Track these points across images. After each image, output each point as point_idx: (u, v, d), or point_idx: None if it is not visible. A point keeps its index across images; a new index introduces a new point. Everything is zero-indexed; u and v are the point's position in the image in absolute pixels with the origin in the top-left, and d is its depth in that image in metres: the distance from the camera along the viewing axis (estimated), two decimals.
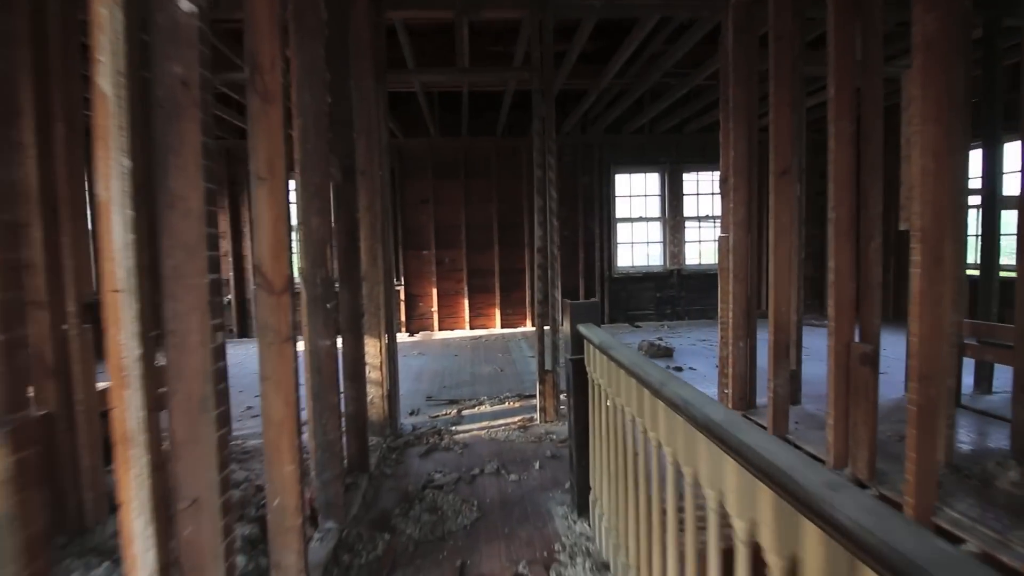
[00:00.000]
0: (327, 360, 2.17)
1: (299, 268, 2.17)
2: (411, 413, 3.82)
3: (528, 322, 7.63)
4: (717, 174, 8.03)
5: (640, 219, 7.81)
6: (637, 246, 7.86)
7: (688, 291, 7.88)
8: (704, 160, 7.80)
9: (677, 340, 6.24)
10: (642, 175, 7.80)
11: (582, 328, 2.17)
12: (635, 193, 7.81)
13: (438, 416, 3.73)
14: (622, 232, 7.77)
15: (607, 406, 1.90)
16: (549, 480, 2.63)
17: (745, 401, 3.57)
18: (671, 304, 7.86)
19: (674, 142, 7.72)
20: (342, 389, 2.72)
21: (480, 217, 7.54)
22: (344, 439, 2.75)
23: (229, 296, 7.28)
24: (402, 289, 7.47)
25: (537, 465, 2.80)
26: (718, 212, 7.94)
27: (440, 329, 7.55)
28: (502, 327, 7.60)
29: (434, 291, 7.51)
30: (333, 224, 2.65)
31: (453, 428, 3.45)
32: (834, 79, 2.55)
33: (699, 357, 5.35)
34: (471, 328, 7.58)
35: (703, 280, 7.89)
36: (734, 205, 3.53)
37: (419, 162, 7.45)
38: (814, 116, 6.52)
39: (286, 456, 1.67)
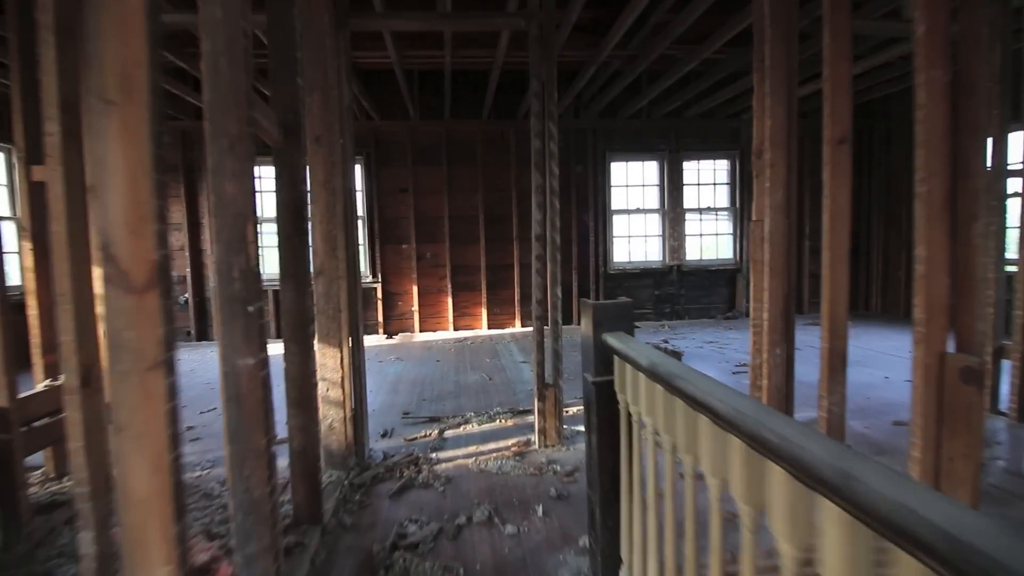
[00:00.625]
0: (250, 385, 1.53)
1: (215, 256, 1.53)
2: (383, 435, 3.18)
3: (517, 322, 7.02)
4: (719, 162, 7.54)
5: (637, 211, 7.25)
6: (634, 240, 7.30)
7: (688, 288, 7.36)
8: (705, 146, 7.27)
9: (682, 342, 5.70)
10: (639, 163, 7.25)
11: (611, 339, 1.57)
12: (632, 183, 7.25)
13: (416, 439, 3.10)
14: (618, 225, 7.21)
15: (648, 444, 1.31)
16: (557, 533, 2.03)
17: None
18: (670, 302, 7.33)
19: (673, 127, 7.18)
20: (287, 418, 2.09)
21: (464, 208, 6.90)
22: (288, 485, 2.12)
23: (186, 295, 6.52)
24: (379, 287, 6.80)
25: (540, 510, 2.19)
26: (720, 203, 7.44)
27: (421, 330, 6.91)
28: (489, 328, 6.99)
29: (414, 289, 6.86)
30: (277, 199, 2.02)
31: (433, 455, 2.83)
32: (924, 15, 1.99)
33: (711, 362, 4.80)
34: (455, 329, 6.95)
35: (704, 277, 7.38)
36: (771, 185, 2.96)
37: (397, 147, 6.78)
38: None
39: (156, 554, 1.04)
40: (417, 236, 6.83)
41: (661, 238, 7.28)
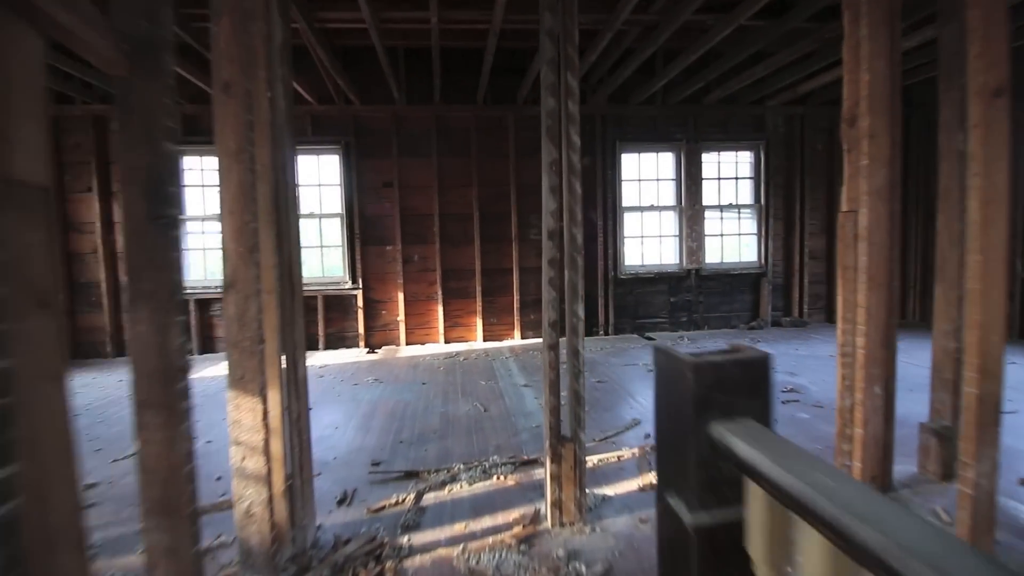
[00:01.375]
0: None
1: None
2: (341, 501, 2.37)
3: (516, 334, 6.22)
4: (741, 154, 6.77)
5: (651, 208, 6.47)
6: (647, 241, 6.52)
7: (707, 295, 6.58)
8: (727, 135, 6.50)
9: None
10: (653, 154, 6.47)
11: (736, 439, 0.76)
12: (645, 176, 6.47)
13: (383, 508, 2.29)
14: (630, 224, 6.43)
15: None
16: None
17: (880, 479, 2.23)
18: (687, 310, 6.55)
19: (692, 114, 6.40)
20: (141, 533, 1.27)
21: (457, 205, 6.10)
22: None
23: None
24: (360, 294, 5.98)
25: None
26: (743, 199, 6.66)
27: (408, 343, 6.09)
28: (485, 340, 6.18)
29: (400, 296, 6.05)
30: (121, 164, 1.21)
31: (405, 540, 2.02)
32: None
33: None
34: (446, 342, 6.14)
35: (725, 282, 6.60)
36: (869, 163, 2.17)
37: (380, 136, 5.97)
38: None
39: None
40: (403, 236, 6.02)
41: (678, 239, 6.49)
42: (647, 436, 3.04)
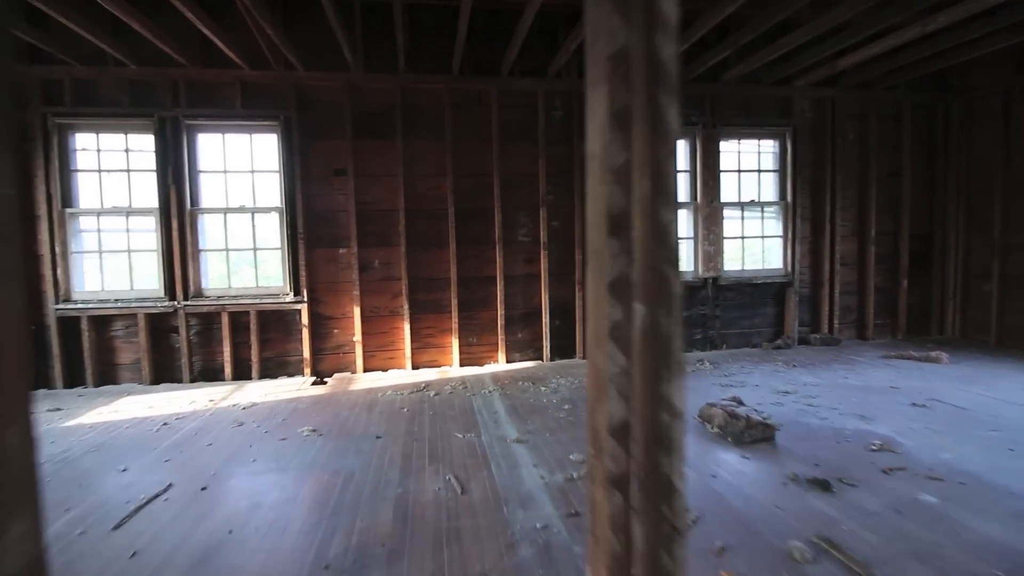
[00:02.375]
0: None
1: None
2: None
3: (500, 356, 5.09)
4: (765, 142, 5.81)
5: None
6: None
7: (725, 308, 5.58)
8: (748, 120, 5.52)
9: (744, 392, 3.87)
10: None
11: None
12: None
13: None
14: None
15: None
16: None
17: None
18: (702, 326, 5.53)
19: (708, 93, 5.40)
20: None
21: (428, 199, 4.95)
22: None
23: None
24: (304, 308, 4.77)
25: None
26: (768, 196, 5.69)
27: (366, 369, 4.90)
28: (462, 364, 5.03)
29: (356, 311, 4.86)
30: None
31: None
32: None
33: (825, 439, 2.97)
34: (414, 367, 4.97)
35: (745, 293, 5.61)
36: None
37: (331, 111, 4.78)
38: None
39: None
40: (360, 237, 4.84)
41: (692, 241, 5.47)
42: None
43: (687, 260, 5.52)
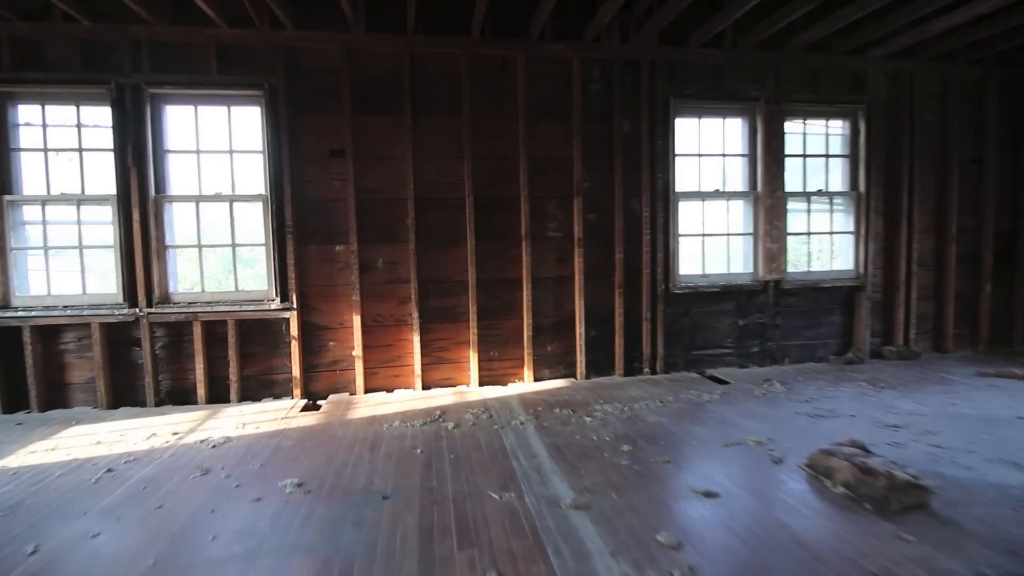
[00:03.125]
0: None
1: None
2: None
3: (527, 373, 4.29)
4: (835, 123, 4.97)
5: (716, 194, 4.63)
6: (710, 241, 4.68)
7: (786, 316, 4.78)
8: (816, 96, 4.71)
9: (837, 425, 3.07)
10: (718, 119, 4.64)
11: None
12: (707, 151, 4.63)
13: None
14: (685, 216, 4.58)
15: None
16: None
17: None
18: (759, 336, 4.73)
19: (771, 64, 4.59)
20: None
21: (442, 187, 4.15)
22: None
23: None
24: (294, 316, 3.97)
25: None
26: (836, 185, 4.89)
27: (368, 389, 4.11)
28: (482, 383, 4.24)
29: (356, 320, 4.06)
30: None
31: None
32: None
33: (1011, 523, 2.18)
34: (425, 387, 4.17)
35: (809, 298, 4.81)
36: None
37: (326, 79, 3.98)
38: None
39: None
40: (361, 232, 4.04)
41: (751, 238, 4.67)
42: None
43: (744, 260, 4.72)
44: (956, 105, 4.98)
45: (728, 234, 4.68)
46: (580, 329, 4.33)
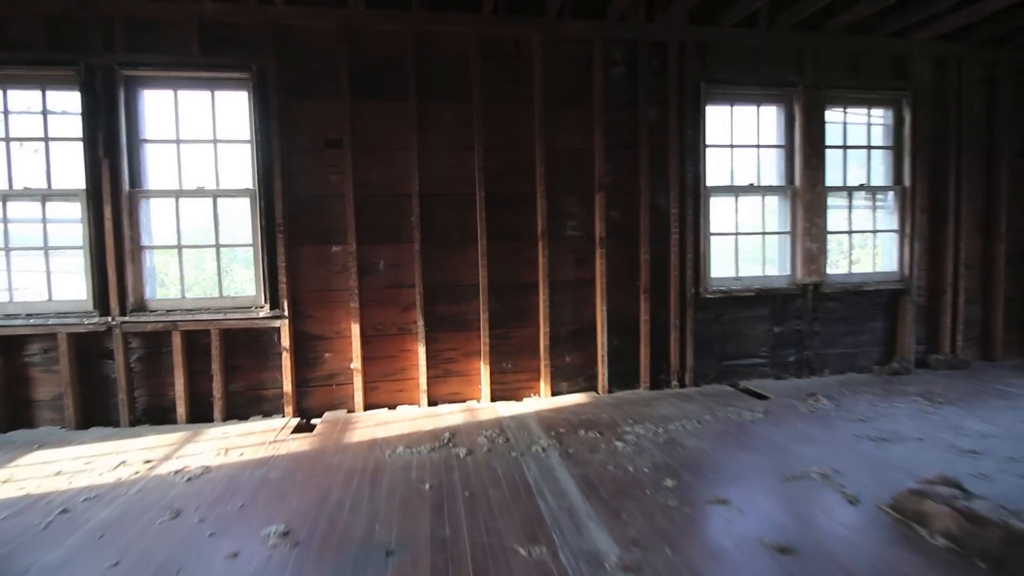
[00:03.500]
0: None
1: None
2: None
3: (543, 387, 3.89)
4: (877, 111, 4.51)
5: (750, 189, 4.23)
6: (744, 240, 4.27)
7: (825, 322, 4.37)
8: (857, 82, 4.31)
9: (903, 451, 2.67)
10: (753, 107, 4.24)
11: None
12: (741, 142, 4.23)
13: None
14: (717, 214, 4.17)
15: None
16: None
17: None
18: (797, 344, 4.32)
19: (810, 47, 4.19)
20: None
21: (449, 180, 3.75)
22: None
23: None
24: (286, 325, 3.56)
25: None
26: (879, 180, 4.48)
27: (367, 406, 3.70)
28: (494, 399, 3.83)
29: (354, 328, 3.65)
30: None
31: None
32: None
33: None
34: (431, 403, 3.76)
35: (849, 303, 4.41)
36: None
37: (321, 60, 3.57)
38: None
39: None
40: (360, 231, 3.64)
41: (789, 237, 4.27)
42: None
43: (780, 261, 4.31)
44: (1005, 93, 4.58)
45: (763, 232, 4.27)
46: (602, 338, 3.93)
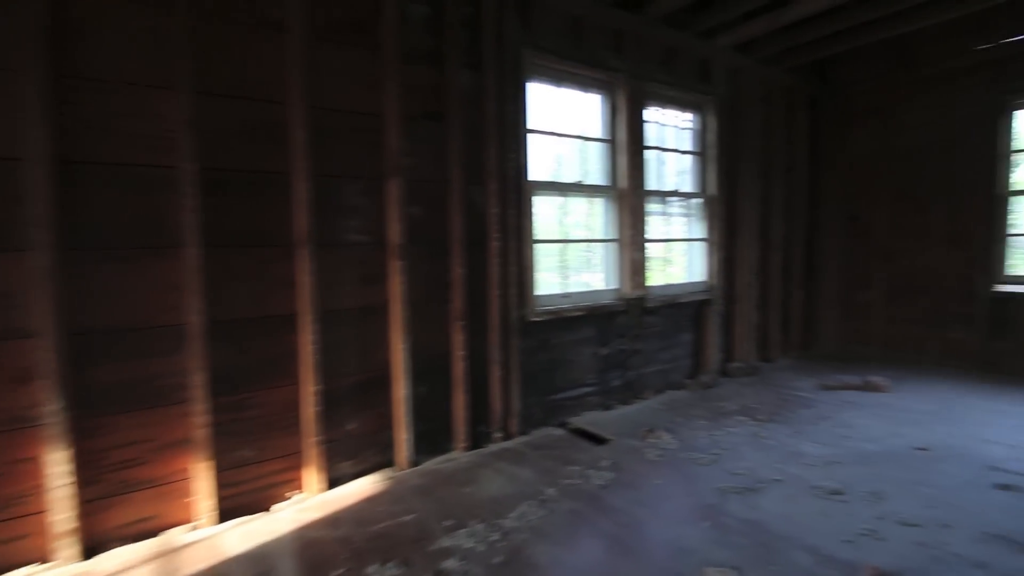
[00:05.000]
0: None
1: None
2: None
3: (310, 478, 2.50)
4: (690, 115, 4.07)
5: (578, 187, 3.54)
6: (569, 251, 3.56)
7: (647, 338, 4.00)
8: (672, 79, 4.01)
9: (764, 501, 2.21)
10: (578, 91, 3.55)
11: None
12: (566, 131, 3.50)
13: None
14: (541, 216, 3.37)
15: None
16: None
17: None
18: (622, 366, 3.84)
19: (630, 29, 3.69)
20: None
21: (127, 138, 2.07)
22: None
23: None
24: None
25: None
26: (689, 186, 4.29)
27: None
28: (223, 516, 2.28)
29: None
30: None
31: None
32: None
33: None
34: (87, 549, 2.03)
35: (667, 316, 4.13)
36: None
37: None
38: None
39: None
40: None
41: (617, 245, 3.72)
42: None
43: (608, 273, 3.75)
44: (777, 111, 4.91)
45: (591, 240, 3.64)
46: (402, 387, 2.74)
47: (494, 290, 3.05)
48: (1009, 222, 4.42)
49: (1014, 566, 1.86)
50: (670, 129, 4.14)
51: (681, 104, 4.16)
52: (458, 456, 2.90)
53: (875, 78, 5.11)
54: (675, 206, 4.21)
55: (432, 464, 2.81)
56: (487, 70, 2.99)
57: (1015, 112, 4.33)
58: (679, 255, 4.32)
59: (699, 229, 4.33)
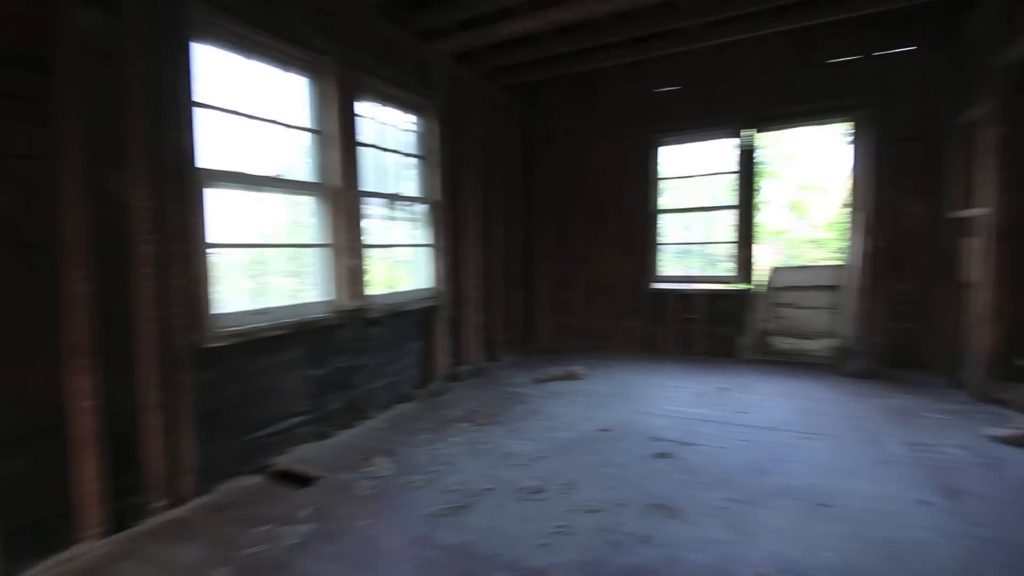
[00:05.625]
0: None
1: None
2: None
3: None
4: (413, 116, 4.07)
5: (276, 182, 2.96)
6: (270, 256, 2.96)
7: (372, 352, 3.70)
8: (390, 75, 3.80)
9: (474, 520, 2.19)
10: (276, 68, 2.98)
11: None
12: (259, 114, 2.88)
13: None
14: (225, 215, 2.70)
15: None
16: None
17: None
18: (343, 386, 3.45)
19: (340, 11, 3.31)
20: None
21: None
22: None
23: None
24: None
25: None
26: (413, 190, 4.14)
27: None
28: None
29: None
30: None
31: None
32: None
33: None
34: None
35: (392, 326, 3.92)
36: None
37: None
38: None
39: None
40: None
41: (330, 251, 3.27)
42: None
43: (321, 284, 3.28)
44: (497, 125, 5.20)
45: (297, 245, 3.12)
46: None
47: (146, 310, 2.28)
48: (659, 233, 5.66)
49: (672, 532, 2.16)
50: (391, 129, 3.91)
51: (403, 104, 3.98)
52: (87, 549, 2.06)
53: (571, 106, 5.92)
54: (400, 211, 4.01)
55: (39, 571, 1.91)
56: (128, 14, 2.20)
57: (659, 148, 5.55)
58: (406, 261, 4.14)
59: (425, 235, 4.23)
